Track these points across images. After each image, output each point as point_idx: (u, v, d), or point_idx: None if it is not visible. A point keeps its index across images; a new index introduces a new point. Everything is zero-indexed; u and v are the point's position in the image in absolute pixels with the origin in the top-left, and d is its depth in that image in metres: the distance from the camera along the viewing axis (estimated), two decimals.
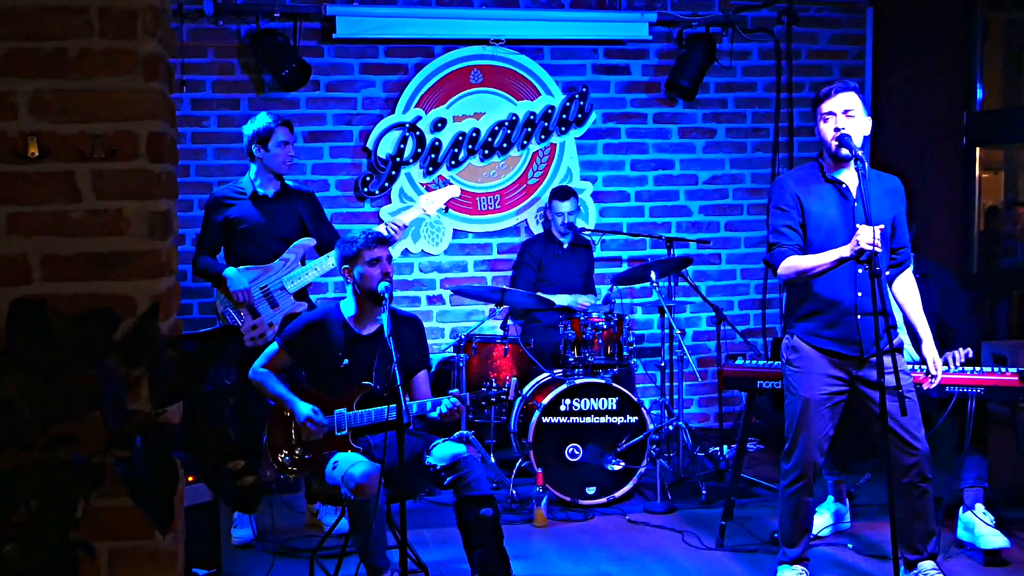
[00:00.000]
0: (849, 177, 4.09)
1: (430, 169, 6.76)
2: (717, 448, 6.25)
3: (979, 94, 6.58)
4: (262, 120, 5.25)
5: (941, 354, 4.46)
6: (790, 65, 7.18)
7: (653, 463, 5.59)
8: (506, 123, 6.83)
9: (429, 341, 4.80)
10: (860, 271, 3.93)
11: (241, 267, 5.24)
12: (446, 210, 6.56)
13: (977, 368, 4.70)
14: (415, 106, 6.71)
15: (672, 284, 6.23)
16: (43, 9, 2.35)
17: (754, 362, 5.01)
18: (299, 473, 4.34)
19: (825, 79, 6.95)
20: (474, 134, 6.79)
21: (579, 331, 5.77)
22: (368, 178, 6.69)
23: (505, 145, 6.85)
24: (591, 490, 5.54)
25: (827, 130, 4.08)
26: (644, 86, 7.08)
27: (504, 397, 4.42)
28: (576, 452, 5.55)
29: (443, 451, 4.22)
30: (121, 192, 2.39)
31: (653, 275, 5.88)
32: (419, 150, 6.72)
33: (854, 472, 5.31)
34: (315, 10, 6.50)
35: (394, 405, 4.04)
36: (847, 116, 4.05)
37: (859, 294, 4.01)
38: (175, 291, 2.57)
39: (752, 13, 7.14)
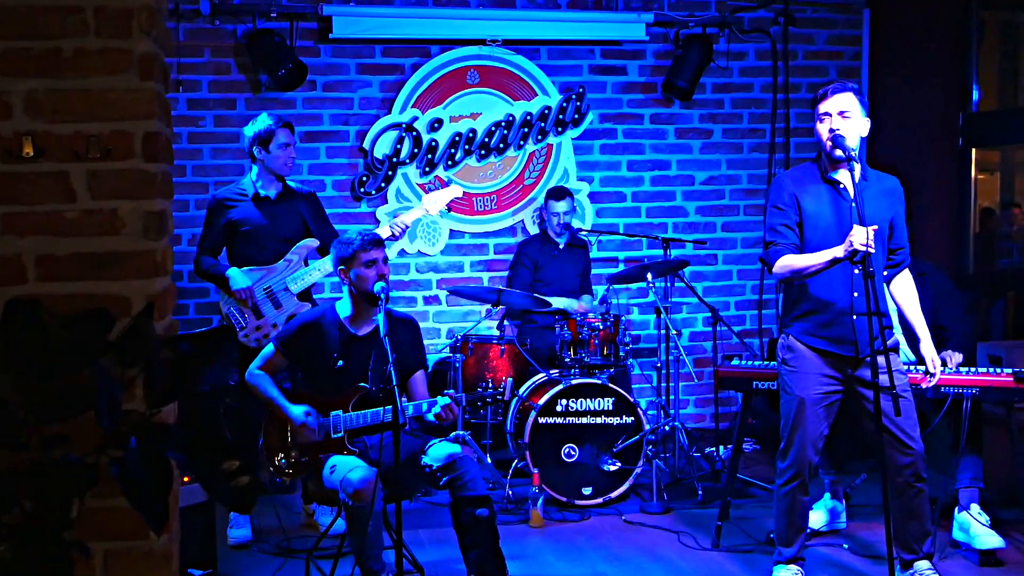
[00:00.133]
0: (846, 177, 4.09)
1: (427, 169, 6.75)
2: (713, 448, 6.25)
3: (975, 95, 6.58)
4: (263, 122, 5.24)
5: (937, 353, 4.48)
6: (786, 66, 7.19)
7: (649, 463, 5.60)
8: (503, 123, 6.83)
9: (425, 341, 4.80)
10: (856, 271, 3.94)
11: (244, 268, 5.24)
12: (449, 210, 6.56)
13: (972, 369, 4.71)
14: (412, 106, 6.71)
15: (668, 285, 6.23)
16: (38, 8, 2.35)
17: (750, 363, 5.02)
18: (295, 476, 4.33)
19: (822, 80, 6.96)
20: (471, 134, 6.79)
21: (575, 332, 5.77)
22: (364, 178, 6.68)
23: (502, 146, 6.85)
24: (587, 490, 5.54)
25: (822, 130, 4.09)
26: (641, 87, 7.08)
27: (500, 398, 4.42)
28: (572, 452, 5.55)
29: (439, 451, 4.22)
30: (116, 192, 2.39)
31: (649, 276, 5.88)
32: (416, 150, 6.71)
33: (850, 472, 5.31)
34: (311, 10, 6.50)
35: (390, 406, 4.03)
36: (842, 117, 4.06)
37: (855, 294, 4.02)
38: (170, 291, 2.57)
39: (749, 14, 7.14)
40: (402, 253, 6.81)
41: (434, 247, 6.87)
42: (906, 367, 4.40)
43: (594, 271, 6.74)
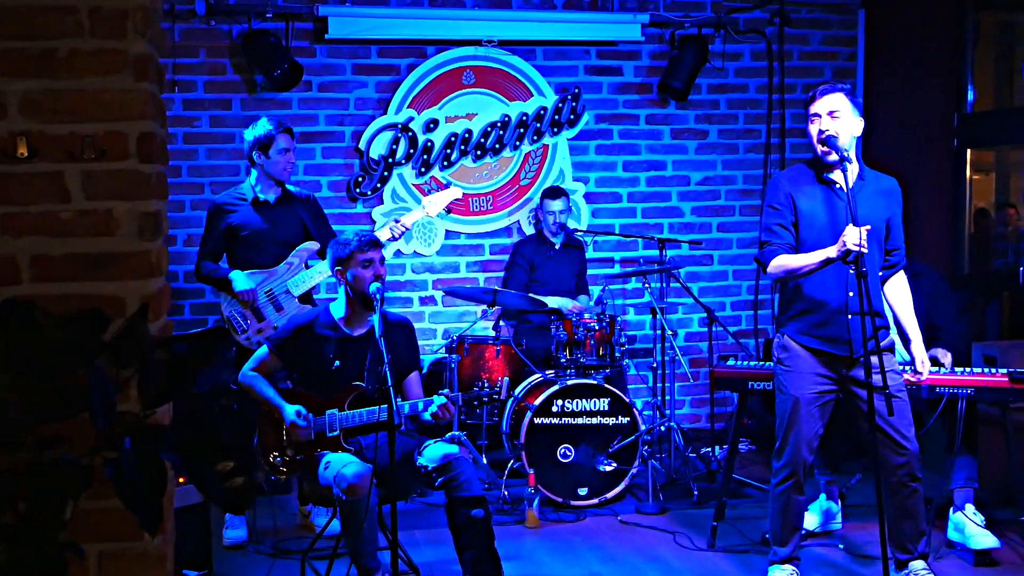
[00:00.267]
0: (841, 177, 4.10)
1: (422, 170, 6.75)
2: (709, 449, 6.26)
3: (970, 96, 6.59)
4: (263, 127, 5.24)
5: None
6: (782, 66, 7.20)
7: (645, 464, 5.60)
8: (498, 124, 6.83)
9: (421, 342, 4.80)
10: (851, 271, 3.94)
11: (245, 272, 5.24)
12: (448, 212, 6.55)
13: (968, 369, 4.72)
14: (407, 107, 6.71)
15: (664, 285, 6.24)
16: (33, 9, 2.34)
17: (745, 363, 5.03)
18: (290, 474, 4.33)
19: (817, 80, 6.97)
20: (466, 135, 6.78)
21: (571, 332, 5.78)
22: (360, 179, 6.68)
23: (497, 146, 6.85)
24: (583, 491, 5.55)
25: (813, 132, 4.11)
26: (636, 87, 7.09)
27: (496, 397, 4.42)
28: (568, 453, 5.56)
29: (434, 452, 4.22)
30: (111, 192, 2.39)
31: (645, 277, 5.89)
32: (411, 151, 6.71)
33: (845, 472, 5.32)
34: (307, 10, 6.49)
35: (385, 406, 4.04)
36: (832, 117, 4.07)
37: (850, 294, 4.02)
38: (165, 292, 2.56)
39: (744, 15, 7.15)
40: (398, 254, 6.80)
41: (430, 247, 6.87)
42: (902, 367, 4.41)
43: (590, 272, 6.74)
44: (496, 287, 6.16)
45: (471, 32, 6.73)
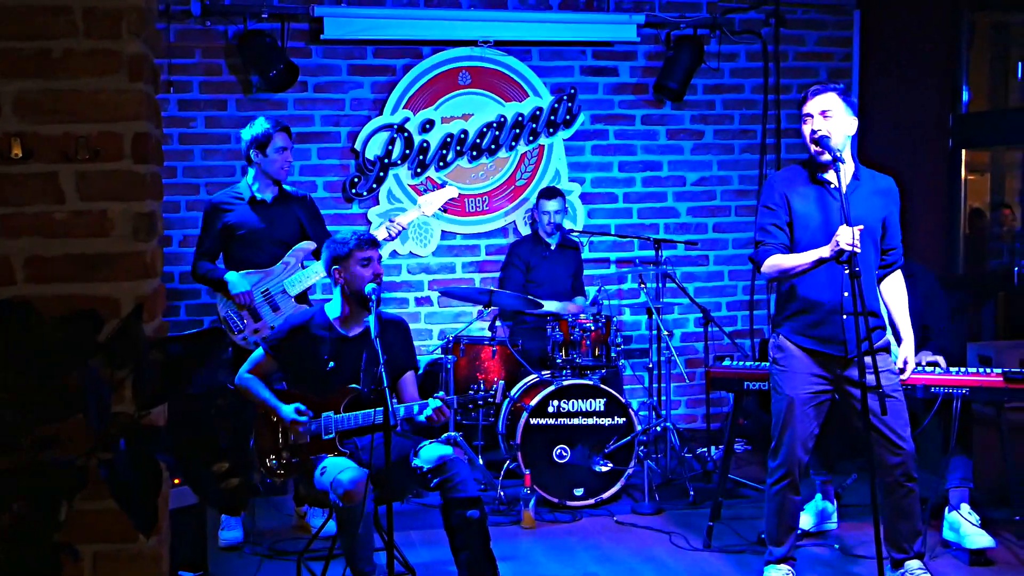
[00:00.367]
0: (835, 177, 4.10)
1: (418, 171, 6.75)
2: (705, 449, 6.26)
3: (965, 96, 6.60)
4: (261, 125, 5.24)
5: (917, 353, 4.49)
6: (777, 67, 7.20)
7: (641, 464, 5.60)
8: (494, 124, 6.83)
9: (417, 342, 4.80)
10: (846, 271, 3.95)
11: (241, 271, 5.23)
12: (444, 211, 6.55)
13: (963, 369, 4.73)
14: (403, 107, 6.71)
15: (660, 285, 6.24)
16: (27, 9, 2.34)
17: (741, 363, 5.03)
18: (286, 477, 4.33)
19: (812, 81, 6.96)
20: (462, 135, 6.78)
21: (567, 333, 5.78)
22: (356, 179, 6.68)
23: (493, 147, 6.85)
24: (579, 491, 5.55)
25: (806, 132, 4.11)
26: (632, 88, 7.09)
27: (491, 400, 4.42)
28: (564, 453, 5.56)
29: (429, 453, 4.22)
30: (105, 193, 2.39)
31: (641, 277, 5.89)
32: (407, 151, 6.71)
33: (841, 472, 5.33)
34: (303, 11, 6.49)
35: (381, 408, 4.03)
36: (824, 117, 4.08)
37: (845, 294, 4.02)
38: (160, 293, 2.56)
39: (739, 15, 7.15)
40: (394, 254, 6.80)
41: (426, 248, 6.87)
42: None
43: (586, 272, 6.74)
44: (492, 288, 6.15)
45: (467, 32, 6.73)
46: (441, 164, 6.78)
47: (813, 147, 4.09)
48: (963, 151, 6.64)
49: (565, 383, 5.59)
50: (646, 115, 7.12)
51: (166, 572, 2.52)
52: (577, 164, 7.04)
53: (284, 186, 5.38)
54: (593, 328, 5.79)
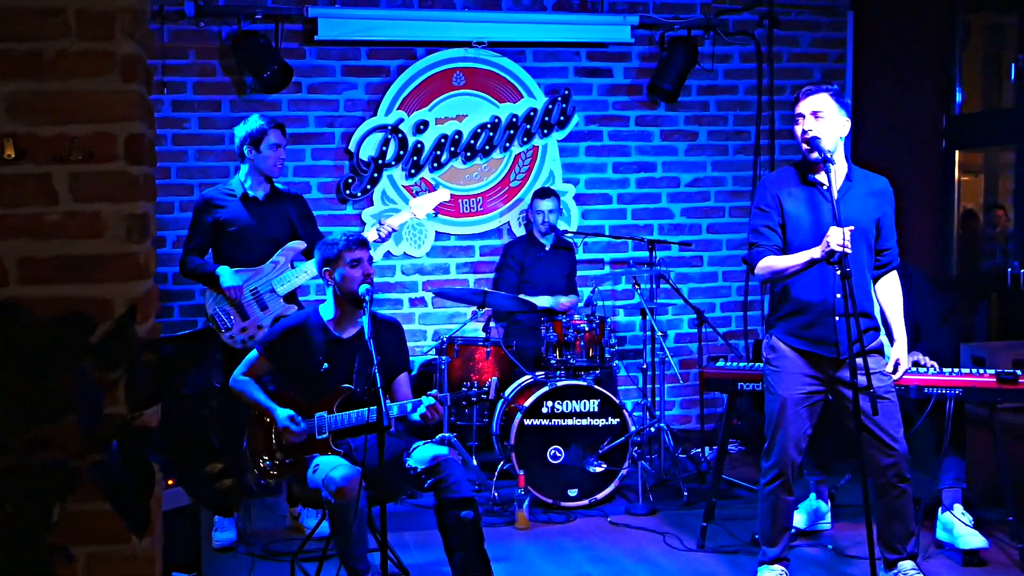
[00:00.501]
0: (826, 178, 4.11)
1: (412, 171, 6.75)
2: (699, 450, 6.26)
3: (958, 97, 6.61)
4: (255, 122, 5.24)
5: (908, 353, 4.50)
6: (771, 68, 7.21)
7: (635, 465, 5.61)
8: (488, 125, 6.83)
9: (411, 343, 4.80)
10: (837, 271, 3.95)
11: (231, 269, 5.22)
12: (436, 215, 6.53)
13: (956, 370, 4.74)
14: (397, 108, 6.71)
15: (654, 286, 6.25)
16: (20, 10, 2.34)
17: (735, 364, 5.04)
18: (280, 477, 4.33)
19: (806, 82, 6.95)
20: (456, 136, 6.78)
21: (561, 333, 5.78)
22: (350, 180, 6.67)
23: (487, 147, 6.85)
24: (573, 492, 5.55)
25: (798, 132, 4.12)
26: (626, 89, 7.10)
27: (484, 397, 4.42)
28: (558, 454, 5.56)
29: (423, 453, 4.22)
30: (98, 194, 2.38)
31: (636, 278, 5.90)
32: (401, 152, 6.71)
33: (835, 473, 5.33)
34: (297, 12, 6.49)
35: (374, 407, 4.03)
36: (816, 118, 4.08)
37: (837, 295, 4.03)
38: (153, 294, 2.56)
39: (733, 16, 7.16)
40: (388, 255, 6.80)
41: (420, 249, 6.86)
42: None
43: (580, 273, 6.75)
44: (486, 289, 6.16)
45: (461, 34, 6.73)
46: (435, 165, 6.78)
47: (804, 147, 4.10)
48: (956, 152, 6.65)
49: (559, 384, 5.60)
50: (640, 116, 7.13)
51: (159, 573, 2.52)
52: (571, 165, 7.04)
53: (276, 184, 5.38)
54: (587, 329, 5.79)
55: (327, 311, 4.44)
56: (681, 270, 7.12)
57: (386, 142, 6.68)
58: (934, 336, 5.03)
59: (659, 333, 5.99)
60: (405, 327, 4.70)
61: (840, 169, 4.15)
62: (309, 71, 6.62)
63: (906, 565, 4.25)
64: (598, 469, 5.55)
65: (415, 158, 6.73)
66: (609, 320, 5.95)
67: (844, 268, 3.80)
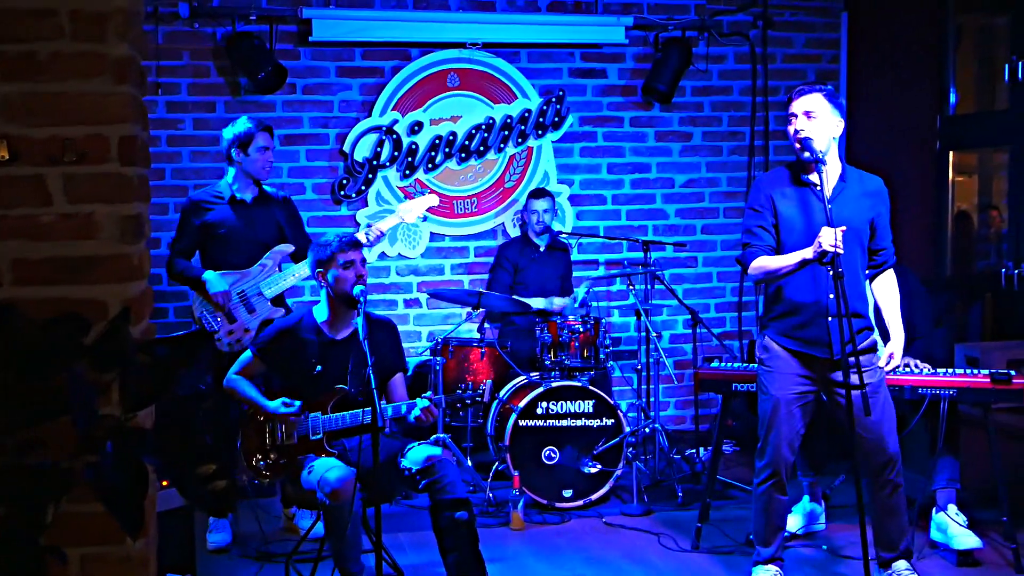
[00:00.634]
0: (823, 178, 4.11)
1: (407, 172, 6.75)
2: (693, 450, 6.27)
3: (952, 98, 6.63)
4: (242, 124, 5.23)
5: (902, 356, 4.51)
6: (765, 69, 7.22)
7: (629, 466, 5.61)
8: (483, 126, 6.83)
9: (406, 344, 4.80)
10: (829, 271, 3.96)
11: (218, 272, 5.21)
12: (424, 219, 6.52)
13: (950, 370, 4.74)
14: (392, 109, 6.71)
15: (648, 287, 6.25)
16: (12, 12, 2.33)
17: (729, 364, 5.04)
18: (274, 477, 4.33)
19: (800, 83, 6.97)
20: (451, 137, 6.78)
21: (555, 334, 5.78)
22: (345, 181, 6.67)
23: (482, 148, 6.85)
24: (568, 493, 5.55)
25: (790, 132, 4.12)
26: (620, 90, 7.10)
27: (479, 399, 4.42)
28: (553, 455, 5.56)
29: (418, 454, 4.22)
30: (92, 196, 2.38)
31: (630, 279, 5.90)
32: (396, 153, 6.71)
33: (829, 474, 5.34)
34: (291, 13, 6.48)
35: (369, 408, 4.03)
36: (808, 118, 4.09)
37: (830, 296, 4.03)
38: (147, 295, 2.56)
39: (728, 17, 7.17)
40: (382, 256, 6.80)
41: (414, 250, 6.86)
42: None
43: (574, 274, 6.74)
44: (481, 289, 6.16)
45: (455, 35, 6.73)
46: (430, 166, 6.78)
47: (796, 147, 4.10)
48: (950, 153, 6.67)
49: (554, 385, 5.60)
50: (635, 117, 7.13)
51: (154, 575, 2.51)
52: (566, 166, 7.05)
53: (264, 187, 5.37)
54: (582, 330, 5.79)
55: (321, 312, 4.44)
56: (676, 271, 7.13)
57: (380, 143, 6.68)
58: (928, 337, 5.03)
59: (654, 334, 5.99)
60: (400, 328, 4.70)
61: (834, 169, 4.15)
62: (303, 72, 6.62)
63: (900, 565, 4.26)
64: (593, 470, 5.55)
65: (410, 159, 6.73)
66: (604, 321, 5.95)
67: (836, 268, 3.80)
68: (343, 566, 4.10)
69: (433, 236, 6.89)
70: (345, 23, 6.51)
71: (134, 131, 2.42)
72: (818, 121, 4.07)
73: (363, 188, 6.69)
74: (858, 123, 6.97)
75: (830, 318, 4.04)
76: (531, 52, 6.94)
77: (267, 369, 4.47)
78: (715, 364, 5.09)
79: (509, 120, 6.86)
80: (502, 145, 6.89)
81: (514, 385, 5.86)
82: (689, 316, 6.18)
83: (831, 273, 3.84)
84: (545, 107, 6.91)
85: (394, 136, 6.69)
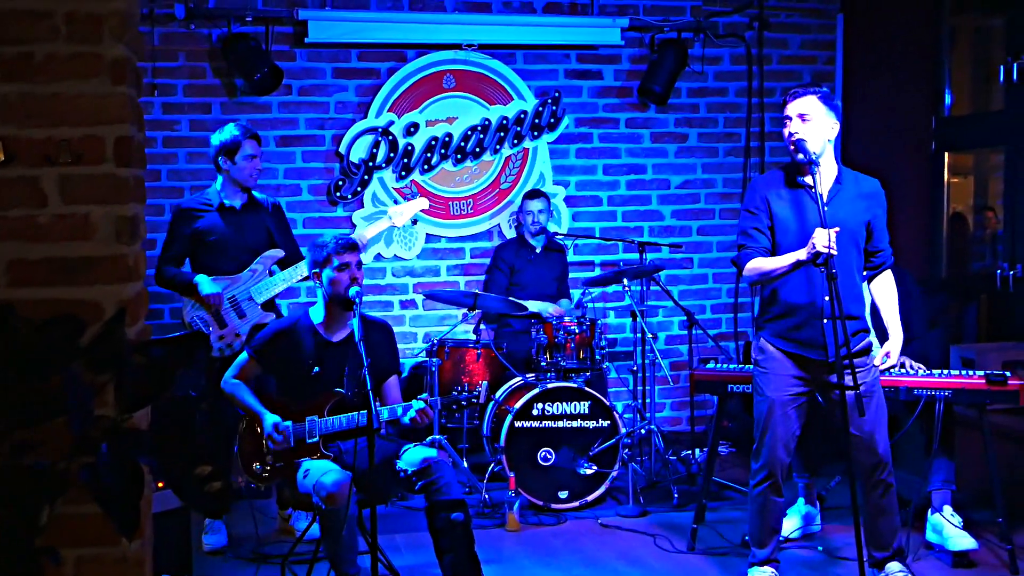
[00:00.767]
0: (817, 180, 4.12)
1: (403, 174, 6.75)
2: (689, 452, 6.27)
3: (947, 99, 6.64)
4: (229, 132, 5.21)
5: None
6: (761, 70, 7.23)
7: (625, 467, 5.61)
8: (479, 128, 6.83)
9: (401, 346, 4.80)
10: (823, 272, 3.96)
11: (209, 278, 5.21)
12: (414, 223, 6.50)
13: (945, 371, 4.75)
14: (388, 110, 6.71)
15: (644, 288, 6.26)
16: (8, 13, 2.33)
17: (725, 366, 5.05)
18: (270, 481, 4.32)
19: (796, 84, 6.98)
20: (447, 139, 6.79)
21: (551, 335, 5.78)
22: (341, 182, 6.67)
23: (478, 150, 6.85)
24: (563, 494, 5.55)
25: (785, 135, 4.13)
26: (616, 91, 7.11)
27: (474, 401, 4.42)
28: (548, 456, 5.56)
29: (413, 456, 4.22)
30: (88, 197, 2.38)
31: (625, 280, 5.90)
32: (392, 154, 6.71)
33: (825, 475, 5.34)
34: (287, 14, 6.48)
35: (364, 411, 4.03)
36: (802, 120, 4.10)
37: (825, 298, 4.03)
38: (143, 296, 2.56)
39: (723, 19, 7.17)
40: (378, 257, 6.80)
41: (410, 251, 6.86)
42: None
43: (570, 275, 6.75)
44: (476, 291, 6.16)
45: (451, 36, 6.74)
46: (426, 167, 6.78)
47: (790, 149, 4.11)
48: (946, 154, 6.68)
49: (550, 386, 5.60)
50: (630, 118, 7.14)
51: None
52: (561, 167, 7.05)
53: (253, 193, 5.36)
54: (577, 331, 5.80)
55: (317, 314, 4.44)
56: (671, 272, 7.13)
57: (376, 144, 6.68)
58: (924, 338, 5.04)
59: (649, 335, 5.99)
60: (396, 329, 4.70)
61: (829, 171, 4.16)
62: (299, 73, 6.62)
63: (894, 567, 4.26)
64: (588, 471, 5.55)
65: (405, 160, 6.73)
66: (599, 322, 5.96)
67: (830, 269, 3.81)
68: (339, 568, 4.09)
69: (429, 237, 6.89)
70: (341, 24, 6.51)
71: (130, 132, 2.42)
72: (813, 124, 4.08)
73: (359, 189, 6.69)
74: (854, 124, 6.98)
75: (825, 320, 4.04)
76: (527, 53, 6.95)
77: (263, 371, 4.46)
78: (711, 365, 5.09)
79: (505, 121, 6.86)
80: (498, 146, 6.89)
81: (510, 386, 5.87)
82: (685, 317, 6.19)
83: (825, 274, 3.85)
84: (541, 108, 6.91)
85: (390, 137, 6.69)
